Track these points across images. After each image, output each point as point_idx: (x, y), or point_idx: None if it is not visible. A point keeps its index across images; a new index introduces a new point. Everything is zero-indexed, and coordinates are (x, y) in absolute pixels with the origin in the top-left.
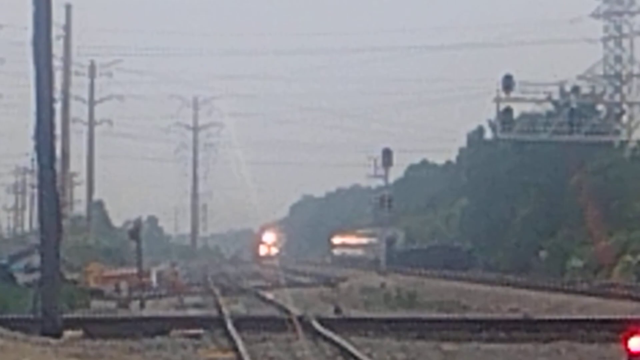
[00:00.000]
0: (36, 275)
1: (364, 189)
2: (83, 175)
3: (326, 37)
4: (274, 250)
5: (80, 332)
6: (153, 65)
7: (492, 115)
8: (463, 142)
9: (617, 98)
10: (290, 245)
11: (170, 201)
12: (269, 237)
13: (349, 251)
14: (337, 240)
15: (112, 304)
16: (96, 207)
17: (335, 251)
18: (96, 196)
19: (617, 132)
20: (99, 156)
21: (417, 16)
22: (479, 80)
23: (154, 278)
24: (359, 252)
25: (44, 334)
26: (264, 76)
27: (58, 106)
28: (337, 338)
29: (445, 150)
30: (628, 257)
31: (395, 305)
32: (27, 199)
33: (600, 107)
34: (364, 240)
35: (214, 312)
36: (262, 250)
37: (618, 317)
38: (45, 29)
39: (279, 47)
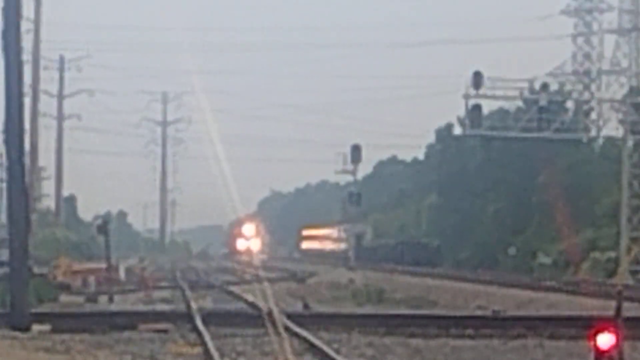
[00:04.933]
0: (4, 269)
1: (332, 184)
2: (52, 170)
3: (297, 33)
4: (255, 245)
5: (48, 327)
6: (123, 60)
7: (461, 111)
8: (432, 138)
9: (586, 95)
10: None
11: (139, 196)
12: (248, 229)
13: (317, 246)
14: (305, 235)
15: (80, 299)
16: (67, 201)
17: (304, 246)
18: (65, 191)
19: (586, 129)
20: (68, 151)
21: (388, 13)
22: (448, 76)
23: (122, 273)
24: (328, 247)
25: (12, 328)
26: (233, 72)
27: (27, 100)
28: (305, 333)
29: (414, 146)
30: (596, 254)
31: (364, 301)
32: None
33: (569, 104)
34: (333, 234)
35: (182, 307)
36: (241, 245)
37: (586, 314)
38: (14, 23)
39: (248, 43)
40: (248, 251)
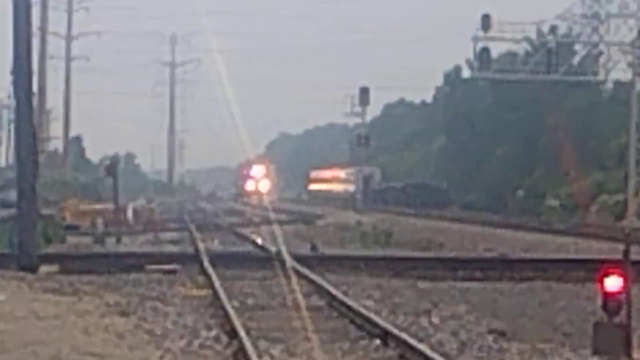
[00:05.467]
0: (12, 211)
1: (341, 126)
2: (60, 111)
3: None
4: (264, 186)
5: (56, 267)
6: (131, 1)
7: (470, 54)
8: (440, 80)
9: (595, 38)
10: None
11: (148, 137)
12: (258, 170)
13: (325, 188)
14: (314, 177)
15: (88, 240)
16: (74, 142)
17: (312, 188)
18: (73, 132)
19: (595, 73)
20: (76, 92)
21: None
22: (456, 19)
23: (130, 214)
24: (336, 189)
25: (20, 269)
26: (242, 13)
27: (35, 42)
28: (313, 275)
29: (422, 88)
30: (604, 197)
31: (371, 244)
32: (4, 134)
33: (578, 47)
34: (341, 176)
35: (190, 249)
36: (250, 186)
37: (594, 256)
38: None
39: None
40: (257, 192)
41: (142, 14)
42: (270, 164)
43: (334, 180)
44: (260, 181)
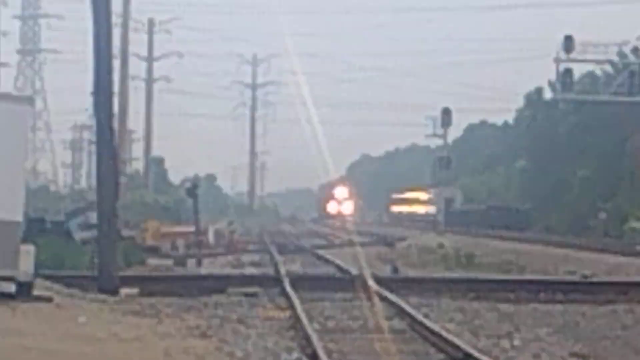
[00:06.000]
0: (93, 232)
1: (422, 148)
2: (141, 133)
3: None
4: (347, 207)
5: (136, 290)
6: (212, 23)
7: (552, 75)
8: (522, 102)
9: None
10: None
11: (229, 159)
12: (341, 191)
13: (407, 210)
14: (395, 198)
15: (168, 262)
16: (155, 163)
17: (394, 210)
18: (154, 154)
19: None
20: (157, 113)
21: None
22: (538, 40)
23: (211, 236)
24: (418, 211)
25: (100, 291)
26: (324, 35)
27: (116, 63)
28: (394, 298)
29: (504, 110)
30: None
31: (453, 266)
32: (85, 155)
33: None
34: (423, 198)
35: (271, 271)
36: (332, 208)
37: None
38: None
39: (338, 4)
40: (340, 214)
41: (223, 35)
42: (352, 185)
43: (415, 202)
44: (343, 203)
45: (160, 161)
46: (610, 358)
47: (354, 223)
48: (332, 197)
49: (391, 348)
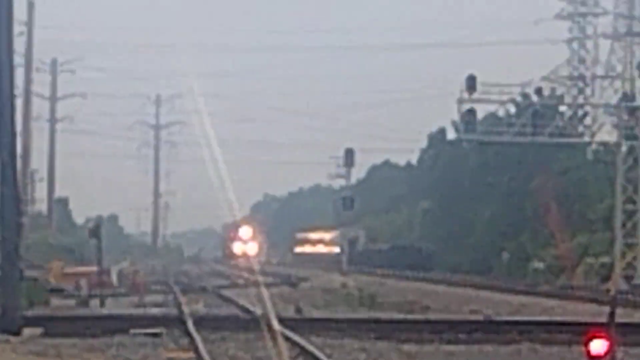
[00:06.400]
0: None
1: (325, 188)
2: (44, 173)
3: (290, 35)
4: (252, 248)
5: (39, 330)
6: (116, 63)
7: (455, 116)
8: (425, 142)
9: (581, 100)
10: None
11: (132, 199)
12: (245, 231)
13: (310, 250)
14: (298, 238)
15: (72, 302)
16: (59, 204)
17: (297, 250)
18: (58, 194)
19: (581, 134)
20: (61, 153)
21: (381, 16)
22: (441, 80)
23: (114, 276)
24: (321, 251)
25: (3, 331)
26: (226, 74)
27: (19, 103)
28: (297, 338)
29: (407, 150)
30: (590, 259)
31: (357, 306)
32: None
33: (563, 108)
34: (326, 238)
35: (174, 311)
36: (237, 248)
37: (580, 319)
38: (6, 26)
39: (242, 45)
40: (244, 255)
41: (127, 75)
42: (256, 225)
43: (319, 242)
44: (247, 243)
45: (64, 202)
46: None
47: (259, 263)
48: (236, 237)
49: None
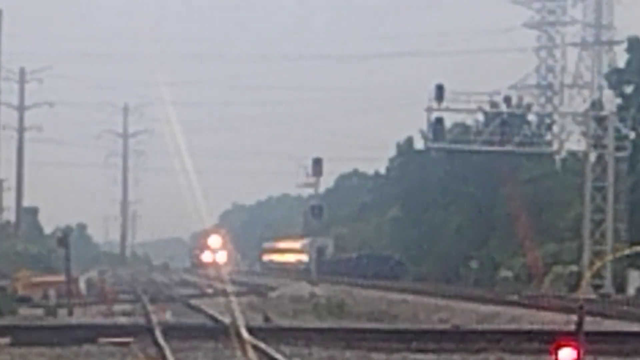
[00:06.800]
0: None
1: (294, 197)
2: (12, 182)
3: (258, 44)
4: (222, 256)
5: (7, 340)
6: (84, 72)
7: (424, 124)
8: (393, 151)
9: (549, 108)
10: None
11: (100, 208)
12: (215, 240)
13: (279, 259)
14: (267, 248)
15: (40, 312)
16: (28, 213)
17: (266, 259)
18: (26, 203)
19: (548, 143)
20: (29, 162)
21: (349, 25)
22: (410, 89)
23: (82, 285)
24: (290, 260)
25: None
26: (195, 83)
27: None
28: (266, 347)
29: (375, 159)
30: (559, 268)
31: (325, 315)
32: None
33: (531, 117)
34: (295, 247)
35: (142, 320)
36: (207, 257)
37: (548, 328)
38: None
39: (210, 54)
40: (214, 263)
41: (94, 84)
42: (226, 234)
43: (287, 251)
44: (217, 252)
45: (34, 211)
46: None
47: (228, 272)
48: (205, 246)
49: None
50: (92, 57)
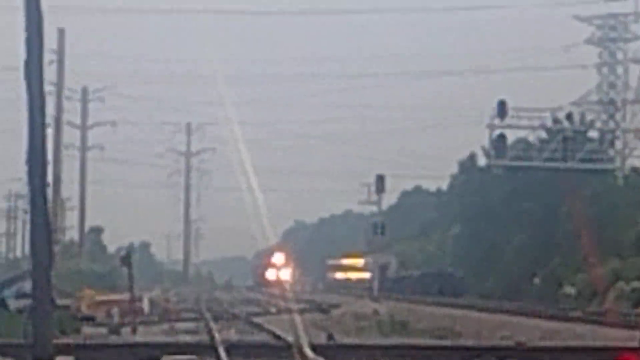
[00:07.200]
0: (27, 301)
1: (356, 215)
2: (76, 201)
3: (319, 63)
4: (286, 274)
5: (71, 358)
6: (146, 91)
7: (486, 141)
8: (455, 168)
9: (611, 125)
10: None
11: (163, 227)
12: (279, 258)
13: (342, 277)
14: (330, 265)
15: (103, 330)
16: (93, 232)
17: (329, 277)
18: (89, 222)
19: (611, 159)
20: (92, 181)
21: (412, 43)
22: (472, 107)
23: (146, 304)
24: (353, 277)
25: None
26: (257, 102)
27: (50, 131)
28: None
29: (438, 176)
30: (622, 284)
31: (388, 332)
32: (20, 224)
33: (593, 133)
34: (358, 265)
35: (206, 338)
36: (271, 274)
37: (611, 344)
38: (37, 54)
39: (272, 74)
40: (278, 281)
41: (157, 103)
42: (290, 252)
43: (350, 269)
44: (281, 269)
45: (98, 231)
46: None
47: (291, 290)
48: (269, 264)
49: None
50: (154, 76)
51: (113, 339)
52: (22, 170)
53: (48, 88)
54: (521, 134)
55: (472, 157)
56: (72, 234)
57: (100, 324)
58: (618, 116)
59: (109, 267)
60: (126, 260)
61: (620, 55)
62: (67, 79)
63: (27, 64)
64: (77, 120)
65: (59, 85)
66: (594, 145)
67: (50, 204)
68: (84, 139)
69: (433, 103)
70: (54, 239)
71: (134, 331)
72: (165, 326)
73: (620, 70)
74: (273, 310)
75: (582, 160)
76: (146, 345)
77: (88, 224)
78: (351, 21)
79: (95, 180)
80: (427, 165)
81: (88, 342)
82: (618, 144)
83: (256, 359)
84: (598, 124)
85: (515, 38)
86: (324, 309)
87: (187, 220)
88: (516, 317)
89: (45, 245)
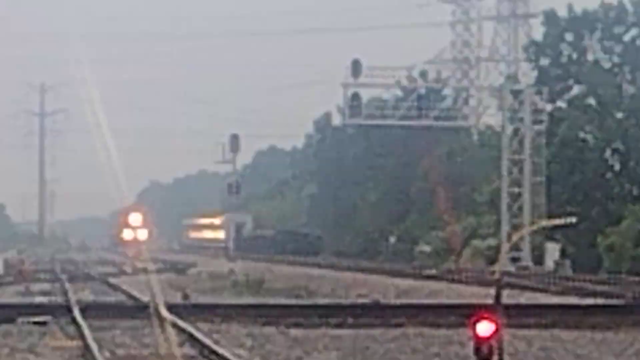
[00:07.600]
0: None
1: (211, 174)
2: None
3: (175, 22)
4: (143, 234)
5: None
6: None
7: (340, 100)
8: (311, 127)
9: (465, 83)
10: None
11: (18, 188)
12: (135, 218)
13: (197, 236)
14: (186, 225)
15: None
16: None
17: (184, 236)
18: None
19: (465, 117)
20: None
21: (266, 1)
22: (327, 65)
23: (0, 265)
24: (208, 237)
25: None
26: (111, 62)
27: None
28: (184, 324)
29: (293, 135)
30: (477, 242)
31: (244, 292)
32: None
33: (448, 91)
34: (213, 225)
35: (61, 299)
36: (127, 235)
37: (466, 301)
38: None
39: (127, 32)
40: (135, 241)
41: (10, 62)
42: (146, 212)
43: (206, 228)
44: (138, 230)
45: None
46: None
47: (148, 250)
48: (126, 224)
49: None
50: (7, 35)
51: None
52: None
53: None
54: (376, 92)
55: (327, 116)
56: None
57: None
58: (472, 74)
59: None
60: None
61: (474, 13)
62: None
63: None
64: None
65: None
66: (448, 103)
67: None
68: None
69: (288, 62)
70: None
71: None
72: (21, 287)
73: (474, 28)
74: (129, 270)
75: (437, 118)
76: (1, 306)
77: None
78: None
79: None
80: (282, 125)
81: None
82: (472, 102)
83: (111, 319)
84: (452, 82)
85: None
86: (179, 269)
87: (42, 181)
88: (372, 276)
89: None
